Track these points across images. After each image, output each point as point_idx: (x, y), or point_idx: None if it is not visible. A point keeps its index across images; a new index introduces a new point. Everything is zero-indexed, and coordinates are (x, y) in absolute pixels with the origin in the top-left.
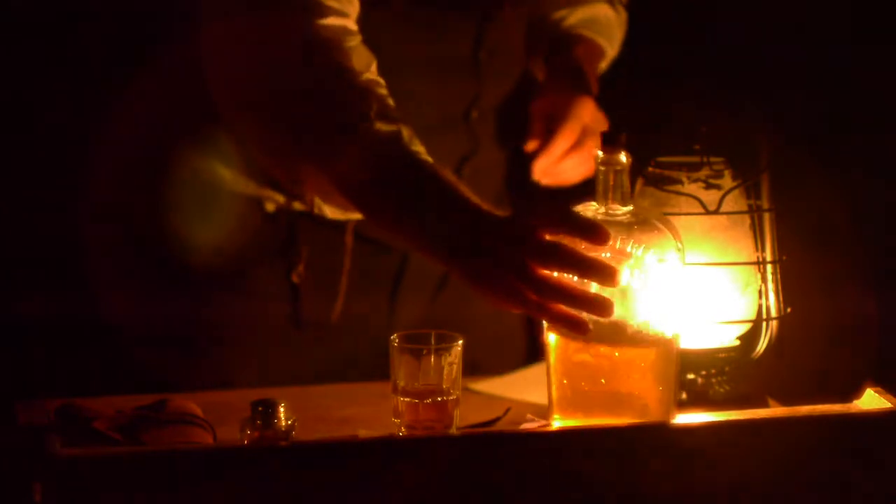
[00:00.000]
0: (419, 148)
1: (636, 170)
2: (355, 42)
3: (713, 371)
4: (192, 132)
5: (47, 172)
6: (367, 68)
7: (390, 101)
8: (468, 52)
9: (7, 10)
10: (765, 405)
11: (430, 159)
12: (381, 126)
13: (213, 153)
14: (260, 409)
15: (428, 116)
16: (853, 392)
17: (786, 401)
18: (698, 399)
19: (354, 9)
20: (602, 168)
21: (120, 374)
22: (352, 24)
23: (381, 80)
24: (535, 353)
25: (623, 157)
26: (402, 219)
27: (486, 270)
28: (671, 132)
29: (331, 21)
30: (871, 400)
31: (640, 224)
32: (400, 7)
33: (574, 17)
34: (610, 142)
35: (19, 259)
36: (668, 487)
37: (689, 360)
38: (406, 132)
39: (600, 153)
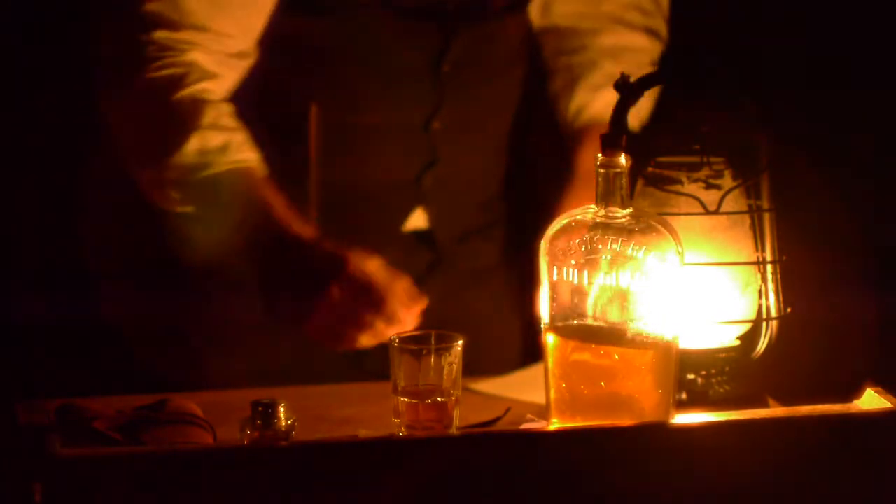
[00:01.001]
0: (248, 156)
1: (636, 170)
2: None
3: (713, 371)
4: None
5: (47, 172)
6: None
7: (226, 111)
8: (432, 64)
9: (8, 11)
10: (765, 405)
11: (257, 167)
12: (210, 134)
13: None
14: (260, 409)
15: (388, 124)
16: (853, 392)
17: (786, 401)
18: (698, 399)
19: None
20: (602, 171)
21: (120, 374)
22: (214, 89)
23: (224, 105)
24: (535, 353)
25: (622, 160)
26: (219, 221)
27: (295, 288)
28: (671, 132)
29: (189, 91)
30: (871, 400)
31: (640, 226)
32: (366, 17)
33: (593, 108)
34: (609, 144)
35: (20, 259)
36: (668, 487)
37: (689, 360)
38: (236, 139)
39: (600, 156)
